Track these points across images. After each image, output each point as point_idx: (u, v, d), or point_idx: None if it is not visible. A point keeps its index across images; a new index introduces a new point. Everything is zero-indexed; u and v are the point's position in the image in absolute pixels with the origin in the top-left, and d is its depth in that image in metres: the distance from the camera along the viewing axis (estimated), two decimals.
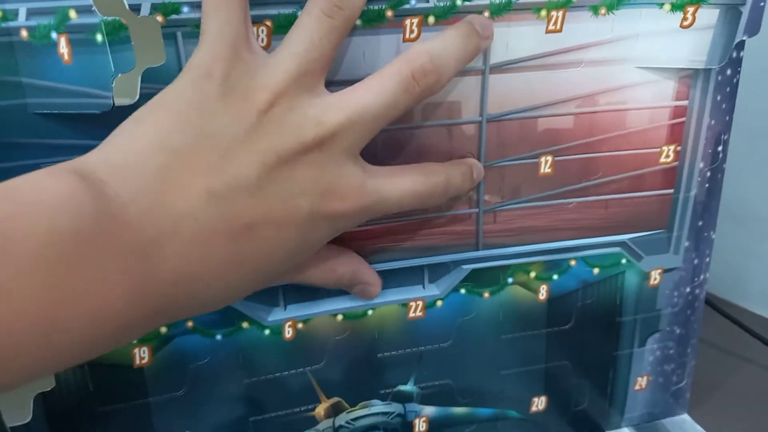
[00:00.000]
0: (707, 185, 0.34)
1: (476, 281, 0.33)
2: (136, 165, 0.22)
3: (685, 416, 0.39)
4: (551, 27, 0.30)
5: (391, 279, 0.32)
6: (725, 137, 0.33)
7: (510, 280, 0.33)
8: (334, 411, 0.33)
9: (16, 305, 0.19)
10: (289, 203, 0.24)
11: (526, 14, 0.29)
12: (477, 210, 0.32)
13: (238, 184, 0.23)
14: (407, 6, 0.27)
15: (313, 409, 0.33)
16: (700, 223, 0.35)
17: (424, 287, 0.32)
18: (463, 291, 0.33)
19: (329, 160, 0.24)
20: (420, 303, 0.33)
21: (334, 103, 0.25)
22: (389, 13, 0.27)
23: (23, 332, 0.19)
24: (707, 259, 0.35)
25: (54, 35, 0.24)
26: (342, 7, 0.24)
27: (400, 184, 0.27)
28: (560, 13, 0.30)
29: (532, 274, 0.34)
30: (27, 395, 0.29)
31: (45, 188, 0.21)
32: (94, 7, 0.24)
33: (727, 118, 0.33)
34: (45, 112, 0.25)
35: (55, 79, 0.25)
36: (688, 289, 0.36)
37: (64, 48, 0.25)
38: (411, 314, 0.33)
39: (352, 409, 0.33)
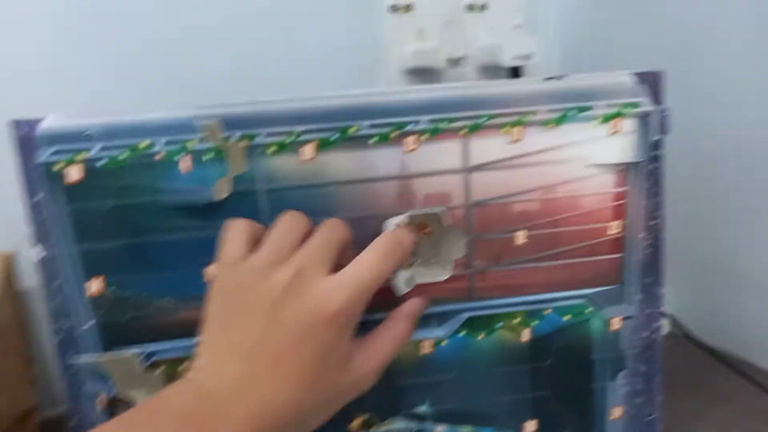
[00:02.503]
0: (649, 251, 0.44)
1: (472, 326, 0.43)
2: (202, 361, 0.35)
3: None
4: (513, 138, 0.42)
5: None
6: (658, 213, 0.44)
7: (499, 324, 0.43)
8: (366, 425, 0.43)
9: None
10: (293, 324, 0.34)
11: (493, 131, 0.42)
12: (469, 271, 0.43)
13: (251, 338, 0.34)
14: (406, 128, 0.40)
15: (350, 422, 0.43)
16: (648, 281, 0.44)
17: (432, 330, 0.43)
18: (462, 333, 0.43)
19: (305, 284, 0.35)
20: (430, 342, 0.43)
21: (291, 262, 0.36)
22: (394, 134, 0.40)
23: None
24: (659, 309, 0.45)
25: (177, 156, 0.38)
26: (294, 218, 0.38)
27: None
28: (518, 129, 0.42)
29: (516, 321, 0.44)
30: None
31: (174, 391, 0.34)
32: (204, 138, 0.38)
33: (658, 199, 0.44)
34: (171, 204, 0.39)
35: (177, 183, 0.39)
36: (645, 334, 0.45)
37: (184, 164, 0.38)
38: (422, 351, 0.43)
39: (380, 424, 0.43)
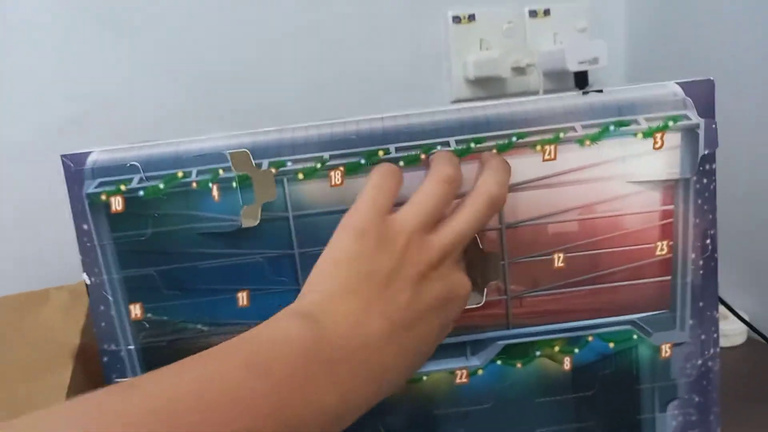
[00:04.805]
0: (701, 272, 0.41)
1: (509, 354, 0.42)
2: (336, 307, 0.33)
3: None
4: (546, 157, 0.40)
5: (440, 352, 0.41)
6: (711, 232, 0.41)
7: (538, 353, 0.42)
8: None
9: (257, 402, 0.29)
10: (430, 302, 0.35)
11: (525, 149, 0.40)
12: (506, 297, 0.42)
13: (398, 304, 0.34)
14: (434, 150, 0.40)
15: None
16: (701, 304, 0.41)
17: (467, 359, 0.42)
18: (499, 362, 0.42)
19: (448, 270, 0.37)
20: (464, 371, 0.42)
21: (445, 232, 0.36)
22: (422, 156, 0.40)
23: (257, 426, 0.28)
24: (714, 335, 0.41)
25: (210, 184, 0.40)
26: (453, 180, 0.37)
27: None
28: (552, 147, 0.40)
29: (556, 348, 0.42)
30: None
31: (286, 330, 0.32)
32: (231, 167, 0.39)
33: (711, 217, 0.41)
34: (204, 232, 0.40)
35: (209, 211, 0.40)
36: (699, 362, 0.41)
37: (215, 192, 0.40)
38: (458, 380, 0.42)
39: None
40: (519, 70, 0.76)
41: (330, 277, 0.35)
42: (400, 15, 0.76)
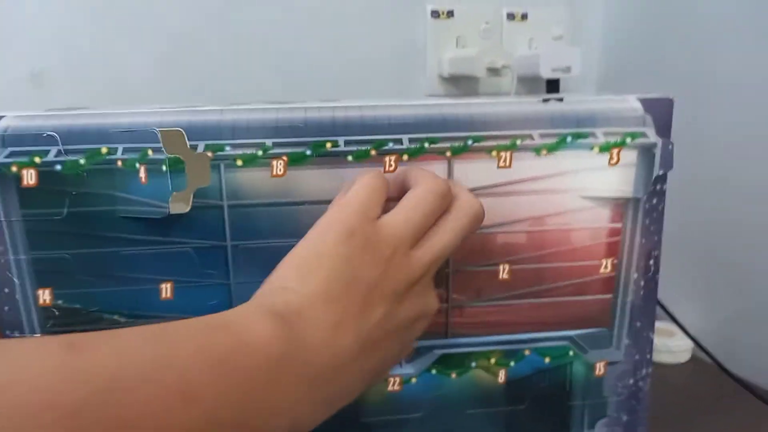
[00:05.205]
0: (642, 292, 0.41)
1: (445, 364, 0.41)
2: (314, 314, 0.31)
3: None
4: (501, 164, 0.39)
5: None
6: (655, 253, 0.41)
7: (473, 364, 0.41)
8: None
9: (222, 410, 0.27)
10: (400, 322, 0.34)
11: (480, 154, 0.39)
12: (446, 305, 0.40)
13: (371, 321, 0.32)
14: (386, 147, 0.37)
15: None
16: (638, 324, 0.41)
17: (401, 366, 0.40)
18: (434, 371, 0.41)
19: (422, 289, 0.35)
20: (398, 379, 0.40)
21: (428, 250, 0.34)
22: (373, 152, 0.37)
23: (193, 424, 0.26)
24: (648, 356, 0.41)
25: (137, 165, 0.36)
26: (446, 196, 0.35)
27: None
28: (508, 154, 0.39)
29: (492, 360, 0.41)
30: None
31: (255, 329, 0.29)
32: (163, 149, 0.36)
33: (656, 238, 0.40)
34: (127, 216, 0.37)
35: (135, 194, 0.36)
36: (631, 381, 0.42)
37: (143, 173, 0.36)
38: (390, 387, 0.40)
39: None
40: (494, 71, 0.74)
41: (310, 274, 0.32)
42: (379, 6, 0.73)
